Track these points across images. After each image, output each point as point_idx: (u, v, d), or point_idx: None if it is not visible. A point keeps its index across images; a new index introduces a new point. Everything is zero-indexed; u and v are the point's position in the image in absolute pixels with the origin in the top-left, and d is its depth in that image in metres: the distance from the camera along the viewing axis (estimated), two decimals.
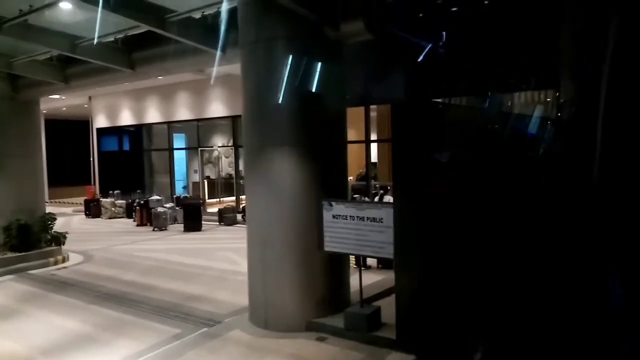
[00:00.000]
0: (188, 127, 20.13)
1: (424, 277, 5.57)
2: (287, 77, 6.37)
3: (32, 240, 11.39)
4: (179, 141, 20.97)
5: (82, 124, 24.61)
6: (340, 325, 6.26)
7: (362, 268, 8.54)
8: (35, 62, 9.53)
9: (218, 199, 20.02)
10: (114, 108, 21.62)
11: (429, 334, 5.54)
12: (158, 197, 17.35)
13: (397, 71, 8.73)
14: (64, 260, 11.65)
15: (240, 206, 17.52)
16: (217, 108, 18.28)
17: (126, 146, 22.67)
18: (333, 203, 6.24)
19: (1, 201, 11.41)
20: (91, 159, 22.79)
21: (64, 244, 11.94)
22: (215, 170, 21.38)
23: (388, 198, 10.05)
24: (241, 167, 19.05)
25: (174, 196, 19.01)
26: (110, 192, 19.97)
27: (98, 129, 22.49)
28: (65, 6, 6.26)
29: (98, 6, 5.88)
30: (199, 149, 19.81)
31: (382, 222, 5.84)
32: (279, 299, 6.55)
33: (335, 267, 6.74)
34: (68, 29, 7.73)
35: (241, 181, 18.65)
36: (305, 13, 6.08)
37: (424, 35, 7.33)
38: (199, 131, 19.42)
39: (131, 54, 8.77)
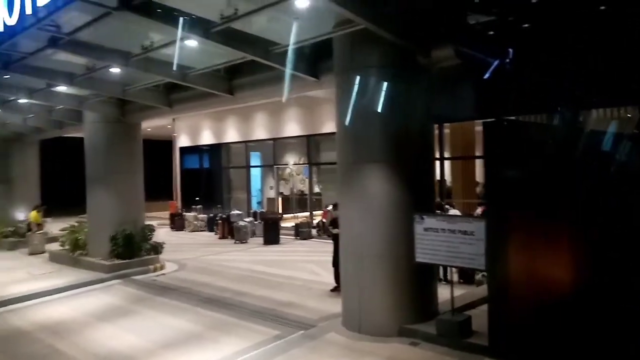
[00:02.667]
0: (263, 146, 21.20)
1: (516, 287, 5.88)
2: (379, 100, 6.97)
3: (135, 249, 12.58)
4: (254, 159, 22.10)
5: (164, 143, 26.51)
6: (432, 331, 6.65)
7: (444, 282, 8.92)
8: (144, 89, 10.75)
9: (292, 214, 20.84)
10: (195, 128, 23.17)
11: (522, 342, 5.82)
12: (239, 212, 18.42)
13: (475, 90, 9.17)
14: (161, 268, 12.76)
15: (314, 221, 18.22)
16: (292, 128, 19.15)
17: (206, 164, 24.13)
18: (424, 217, 6.70)
19: (108, 213, 12.67)
20: (173, 175, 24.44)
21: (161, 252, 13.09)
22: (288, 187, 22.33)
23: (453, 212, 10.35)
24: (314, 184, 19.85)
25: (251, 211, 20.06)
26: (193, 206, 21.34)
27: (181, 148, 24.14)
28: (191, 44, 7.24)
29: (215, 42, 6.76)
30: (275, 166, 20.80)
31: (473, 235, 6.23)
32: (372, 305, 7.05)
33: (425, 277, 7.17)
34: (180, 60, 8.73)
35: (315, 198, 19.44)
36: (399, 43, 6.66)
37: (501, 55, 7.69)
38: (275, 150, 20.39)
39: (231, 81, 9.73)
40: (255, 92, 9.68)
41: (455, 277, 9.79)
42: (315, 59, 8.29)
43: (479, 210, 10.57)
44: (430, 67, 7.17)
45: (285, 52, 7.49)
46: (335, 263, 9.76)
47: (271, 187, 21.61)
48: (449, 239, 6.45)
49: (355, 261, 7.22)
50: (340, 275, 9.42)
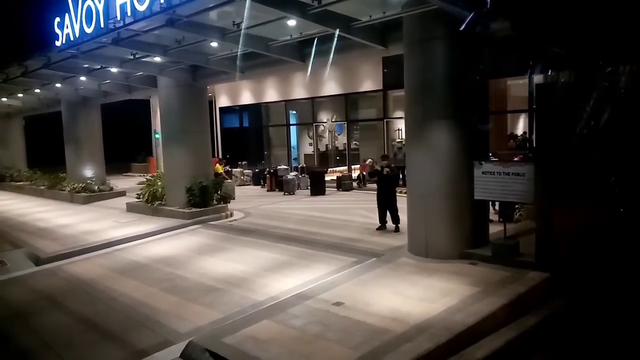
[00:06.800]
0: (299, 105, 22.62)
1: (559, 216, 7.51)
2: (443, 66, 8.42)
3: (208, 198, 14.38)
4: (291, 117, 23.56)
5: None
6: (488, 253, 8.34)
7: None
8: (222, 58, 12.21)
9: (331, 169, 22.45)
10: (234, 90, 24.59)
11: (562, 258, 7.49)
12: (285, 166, 20.10)
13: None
14: (231, 215, 14.56)
15: (354, 174, 19.86)
16: (330, 87, 20.48)
17: (245, 123, 25.71)
18: (483, 162, 8.28)
19: (184, 167, 14.41)
20: (214, 134, 26.08)
21: (229, 202, 14.88)
22: (323, 143, 23.87)
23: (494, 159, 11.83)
24: (350, 140, 21.28)
25: (293, 166, 21.75)
26: (239, 162, 23.09)
27: (220, 108, 25.69)
28: (291, 23, 8.68)
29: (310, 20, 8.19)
30: (314, 124, 22.29)
31: (524, 176, 7.82)
32: (437, 234, 8.73)
33: (480, 211, 8.82)
34: (265, 33, 10.16)
35: (352, 153, 20.96)
36: (462, 16, 8.00)
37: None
38: (314, 108, 21.81)
39: (303, 50, 11.14)
40: (326, 59, 11.05)
41: (496, 217, 11.48)
42: (384, 30, 9.67)
43: (516, 159, 12.08)
44: (487, 36, 8.53)
45: (363, 27, 8.87)
46: (380, 206, 11.45)
47: (310, 144, 23.18)
48: (504, 180, 8.05)
49: (422, 199, 8.86)
50: (386, 214, 11.14)
